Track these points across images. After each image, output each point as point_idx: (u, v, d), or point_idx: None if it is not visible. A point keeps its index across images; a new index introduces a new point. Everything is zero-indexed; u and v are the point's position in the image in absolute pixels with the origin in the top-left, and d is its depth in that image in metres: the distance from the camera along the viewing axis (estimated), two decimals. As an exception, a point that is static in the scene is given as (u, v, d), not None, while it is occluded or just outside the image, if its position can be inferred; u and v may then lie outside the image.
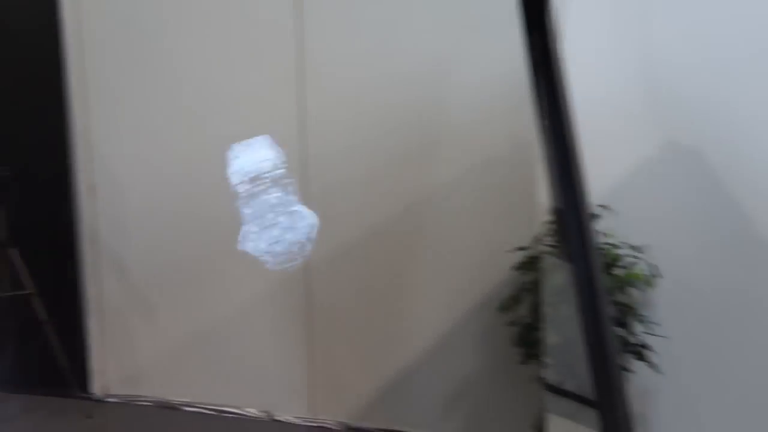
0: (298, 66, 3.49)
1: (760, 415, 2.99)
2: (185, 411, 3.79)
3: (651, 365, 2.87)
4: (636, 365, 2.86)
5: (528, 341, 2.99)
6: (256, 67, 3.58)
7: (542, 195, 3.26)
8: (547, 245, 3.02)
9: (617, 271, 2.88)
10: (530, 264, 3.08)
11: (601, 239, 2.90)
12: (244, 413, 3.74)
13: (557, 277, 2.81)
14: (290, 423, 3.69)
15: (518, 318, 3.04)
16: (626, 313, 2.87)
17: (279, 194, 3.42)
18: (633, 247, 2.89)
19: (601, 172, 2.91)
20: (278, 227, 3.41)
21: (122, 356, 3.94)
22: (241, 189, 3.37)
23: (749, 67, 2.88)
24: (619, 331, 2.84)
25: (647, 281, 2.89)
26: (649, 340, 2.92)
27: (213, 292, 3.77)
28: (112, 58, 3.76)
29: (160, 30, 3.70)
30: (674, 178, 3.04)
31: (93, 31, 3.76)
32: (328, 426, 3.63)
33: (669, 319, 3.02)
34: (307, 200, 3.50)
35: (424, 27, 3.34)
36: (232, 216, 3.65)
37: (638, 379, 2.88)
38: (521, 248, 3.12)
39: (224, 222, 3.68)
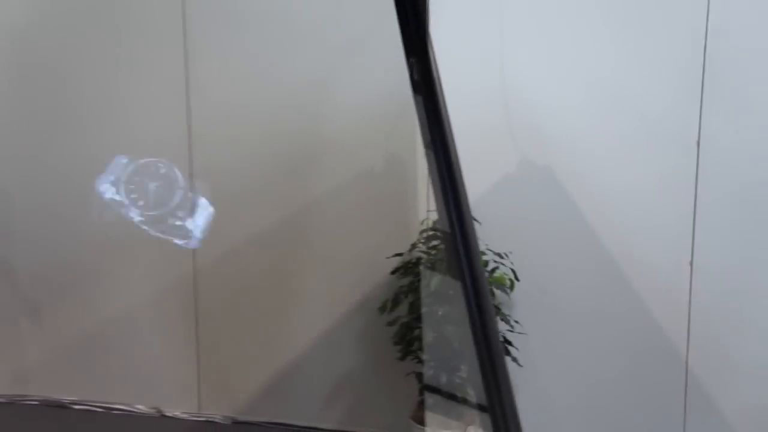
0: (186, 84, 3.55)
1: (602, 399, 3.31)
2: (74, 409, 3.77)
3: (513, 359, 3.14)
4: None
5: (406, 339, 3.18)
6: (145, 83, 3.60)
7: (416, 205, 3.49)
8: (421, 252, 3.25)
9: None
10: (406, 269, 3.29)
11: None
12: (134, 410, 3.77)
13: (433, 281, 3.03)
14: (179, 418, 3.74)
15: (396, 318, 3.24)
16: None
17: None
18: (497, 254, 3.15)
19: (468, 186, 3.17)
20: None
21: (9, 358, 3.90)
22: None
23: (587, 98, 3.19)
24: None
25: (509, 284, 3.15)
26: (511, 336, 3.20)
27: (102, 295, 3.76)
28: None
29: (54, 44, 3.67)
30: (531, 192, 3.31)
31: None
32: (215, 420, 3.71)
33: (527, 318, 3.30)
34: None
35: (305, 50, 3.44)
36: (117, 221, 3.71)
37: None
38: (398, 254, 3.33)
39: (112, 227, 3.73)
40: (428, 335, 3.02)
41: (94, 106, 3.67)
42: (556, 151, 3.21)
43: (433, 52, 2.31)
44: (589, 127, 3.21)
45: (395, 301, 3.16)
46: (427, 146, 2.35)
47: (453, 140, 2.30)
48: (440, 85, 2.35)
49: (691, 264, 3.20)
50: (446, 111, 2.30)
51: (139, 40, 3.58)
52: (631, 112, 3.19)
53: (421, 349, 3.15)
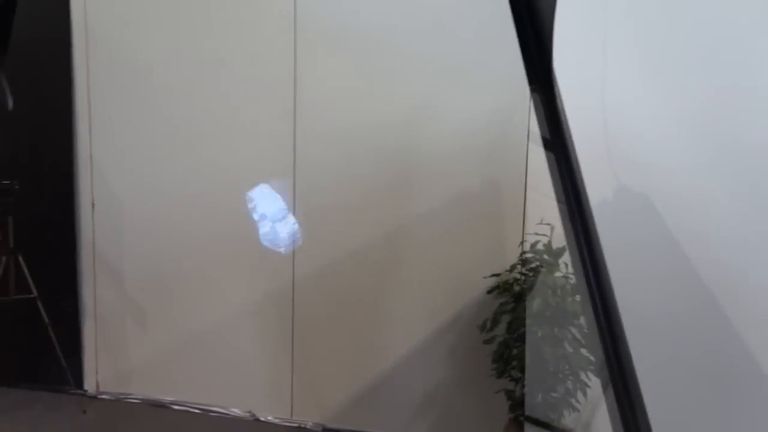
0: (294, 107, 3.56)
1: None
2: (173, 409, 3.79)
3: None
4: (594, 380, 3.06)
5: (504, 357, 3.15)
6: (254, 104, 3.62)
7: (513, 228, 3.45)
8: (520, 273, 3.20)
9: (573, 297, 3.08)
10: (503, 289, 3.26)
11: (568, 270, 3.10)
12: (229, 413, 3.77)
13: (535, 303, 2.98)
14: (271, 423, 3.73)
15: (493, 337, 3.20)
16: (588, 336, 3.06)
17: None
18: (594, 278, 3.10)
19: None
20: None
21: (115, 357, 3.93)
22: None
23: (683, 128, 3.12)
24: (584, 351, 3.03)
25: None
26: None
27: (204, 302, 3.79)
28: (115, 88, 3.76)
29: (164, 63, 3.70)
30: (626, 216, 3.25)
31: (99, 62, 3.75)
32: (306, 426, 3.70)
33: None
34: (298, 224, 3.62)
35: (409, 77, 3.44)
36: (224, 233, 3.74)
37: (594, 392, 3.08)
38: (495, 275, 3.30)
39: (216, 239, 3.75)
40: (529, 355, 2.97)
41: (207, 126, 3.70)
42: (652, 178, 3.16)
43: (557, 84, 2.29)
44: (684, 156, 3.15)
45: (495, 320, 3.11)
46: (552, 172, 2.32)
47: (579, 167, 2.28)
48: (564, 113, 2.33)
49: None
50: (571, 139, 2.28)
51: (252, 66, 3.60)
52: (725, 142, 3.13)
53: (515, 367, 3.10)
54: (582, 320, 3.06)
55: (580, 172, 2.20)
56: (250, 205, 3.65)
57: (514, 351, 3.04)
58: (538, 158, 3.38)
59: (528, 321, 2.97)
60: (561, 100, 2.32)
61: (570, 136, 2.30)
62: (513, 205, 3.37)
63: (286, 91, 3.56)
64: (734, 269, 3.19)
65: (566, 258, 3.12)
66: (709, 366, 3.15)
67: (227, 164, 3.70)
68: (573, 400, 3.05)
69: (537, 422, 3.04)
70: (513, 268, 3.16)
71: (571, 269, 3.11)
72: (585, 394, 3.07)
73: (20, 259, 3.61)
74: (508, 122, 3.33)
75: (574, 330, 3.06)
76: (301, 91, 3.55)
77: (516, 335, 3.05)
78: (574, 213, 2.17)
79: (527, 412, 3.03)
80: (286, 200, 3.60)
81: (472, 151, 3.39)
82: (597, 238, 2.15)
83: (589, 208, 2.19)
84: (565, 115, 2.32)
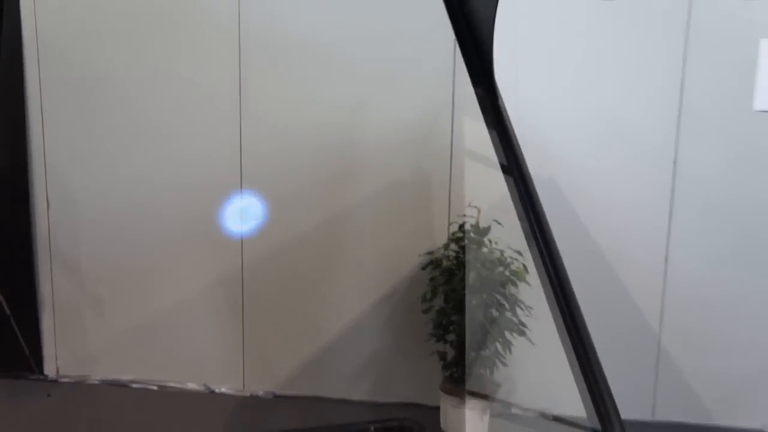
0: (239, 108, 3.74)
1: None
2: (132, 387, 3.95)
3: (528, 339, 3.44)
4: (518, 339, 3.42)
5: (441, 324, 3.46)
6: (202, 103, 3.79)
7: (437, 212, 3.76)
8: (453, 250, 3.52)
9: (503, 270, 3.43)
10: (435, 265, 3.57)
11: (492, 245, 3.45)
12: (185, 387, 3.95)
13: (472, 275, 3.31)
14: (225, 394, 3.94)
15: (430, 307, 3.50)
16: (511, 301, 3.42)
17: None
18: (516, 251, 3.45)
19: (492, 193, 3.47)
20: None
21: (74, 343, 4.02)
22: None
23: (586, 123, 3.53)
24: (508, 314, 3.38)
25: (523, 276, 3.44)
26: (525, 319, 3.49)
27: (158, 289, 3.94)
28: (66, 93, 3.84)
29: (115, 69, 3.80)
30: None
31: (49, 66, 3.81)
32: (258, 395, 3.93)
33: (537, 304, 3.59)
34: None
35: (345, 76, 3.68)
36: (175, 226, 3.89)
37: (517, 350, 3.43)
38: (429, 253, 3.61)
39: (168, 231, 3.91)
40: (468, 320, 3.32)
41: (154, 122, 3.84)
42: (559, 166, 3.53)
43: (495, 82, 2.60)
44: (586, 147, 3.54)
45: (433, 292, 3.43)
46: (502, 165, 2.63)
47: (523, 158, 2.59)
48: (505, 110, 2.63)
49: (666, 260, 3.59)
50: (514, 132, 2.59)
51: (199, 71, 3.76)
52: (622, 135, 3.55)
53: (451, 332, 3.43)
54: (508, 288, 3.44)
55: (524, 161, 2.51)
56: (199, 199, 3.83)
57: (452, 318, 3.37)
58: (461, 152, 3.72)
59: (467, 291, 3.29)
60: (502, 98, 2.63)
61: (513, 130, 2.61)
62: (439, 193, 3.69)
63: (232, 94, 3.74)
64: (622, 241, 3.65)
65: (491, 235, 3.47)
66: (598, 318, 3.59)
67: (177, 162, 3.86)
68: (501, 358, 3.42)
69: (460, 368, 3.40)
70: (446, 246, 3.48)
71: (494, 245, 3.47)
72: (510, 351, 3.44)
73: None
74: (434, 119, 3.64)
75: (499, 297, 3.43)
76: (246, 95, 3.74)
77: (451, 304, 3.38)
78: (523, 196, 2.49)
79: (467, 368, 3.37)
80: (233, 193, 3.79)
81: (403, 145, 3.67)
82: (545, 217, 2.47)
83: (535, 191, 2.51)
84: (507, 112, 2.62)
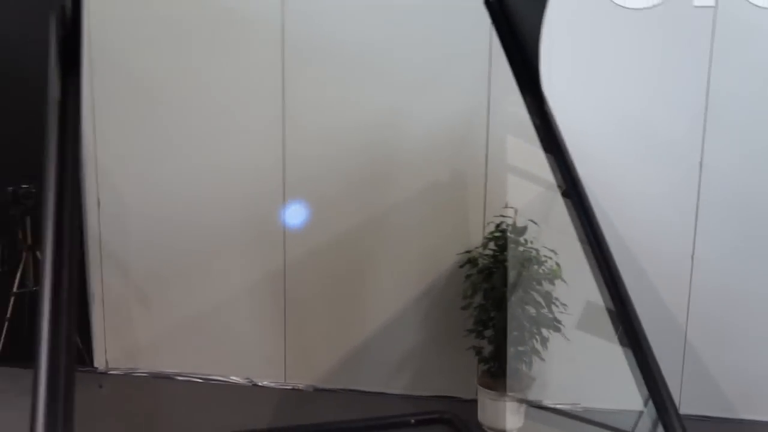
0: (282, 112, 3.82)
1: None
2: (177, 380, 4.03)
3: (563, 335, 3.51)
4: (553, 335, 3.49)
5: (481, 321, 3.52)
6: (246, 111, 3.87)
7: (473, 212, 3.83)
8: (491, 249, 3.60)
9: (539, 268, 3.50)
10: (472, 264, 3.63)
11: (528, 244, 3.51)
12: (229, 380, 4.04)
13: (512, 273, 3.38)
14: (268, 387, 4.02)
15: (469, 303, 3.56)
16: (547, 299, 3.48)
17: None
18: (551, 250, 3.52)
19: (525, 194, 3.54)
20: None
21: (122, 337, 4.10)
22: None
23: (617, 126, 3.59)
24: (545, 311, 3.45)
25: (559, 274, 3.51)
26: (560, 317, 3.56)
27: (203, 287, 4.03)
28: (117, 99, 3.94)
29: (163, 74, 3.90)
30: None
31: (102, 72, 3.92)
32: (300, 388, 4.01)
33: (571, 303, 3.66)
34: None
35: (383, 84, 3.76)
36: (220, 225, 3.97)
37: (553, 345, 3.50)
38: (467, 251, 3.69)
39: (213, 230, 4.00)
40: (511, 316, 3.40)
41: (203, 131, 3.92)
42: (591, 166, 3.59)
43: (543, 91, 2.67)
44: (618, 148, 3.60)
45: (474, 289, 3.50)
46: (551, 166, 2.70)
47: (573, 162, 2.65)
48: (553, 116, 2.70)
49: (692, 257, 3.65)
50: (562, 139, 2.65)
51: (243, 70, 3.84)
52: (651, 137, 3.62)
53: (490, 327, 3.49)
54: (544, 285, 3.50)
55: (574, 165, 2.58)
56: (244, 200, 3.91)
57: (491, 314, 3.43)
58: (496, 153, 3.78)
59: (509, 288, 3.36)
60: (548, 103, 2.69)
61: (561, 135, 2.67)
62: (475, 193, 3.76)
63: (276, 99, 3.82)
64: (651, 238, 3.71)
65: (527, 235, 3.54)
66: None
67: (222, 164, 3.94)
68: (538, 353, 3.49)
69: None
70: (485, 245, 3.55)
71: (530, 244, 3.54)
72: (546, 347, 3.50)
73: (38, 254, 3.73)
74: (470, 122, 3.71)
75: (536, 294, 3.49)
76: (289, 99, 3.82)
77: (491, 302, 3.44)
78: (575, 197, 2.56)
79: (509, 364, 3.43)
80: (278, 194, 3.87)
81: (440, 147, 3.75)
82: (596, 218, 2.55)
83: (585, 192, 2.58)
84: (554, 117, 2.68)
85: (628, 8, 3.55)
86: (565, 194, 2.60)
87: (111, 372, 4.11)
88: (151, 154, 3.98)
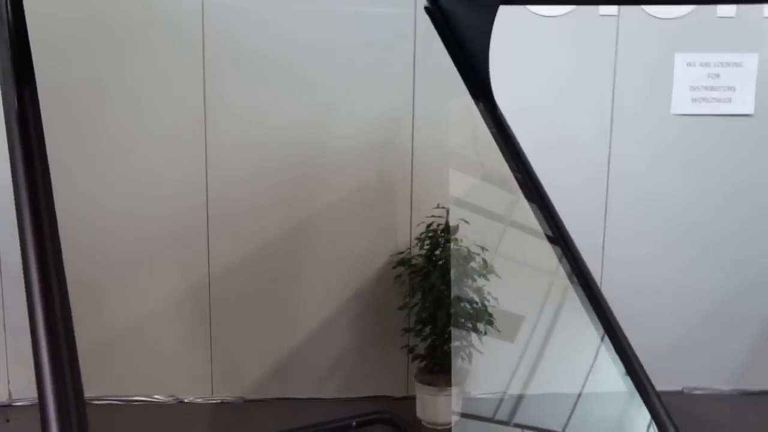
0: (204, 118, 3.45)
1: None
2: (95, 404, 3.49)
3: (496, 328, 3.40)
4: (487, 329, 3.37)
5: (422, 319, 3.33)
6: (166, 118, 3.45)
7: (400, 213, 3.65)
8: (423, 250, 3.42)
9: (473, 264, 3.37)
10: (406, 264, 3.46)
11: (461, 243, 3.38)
12: (152, 399, 3.58)
13: (454, 271, 3.22)
14: (195, 403, 3.61)
15: (405, 303, 3.40)
16: (480, 294, 3.36)
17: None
18: (482, 248, 3.40)
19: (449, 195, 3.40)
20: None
21: (28, 365, 3.52)
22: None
23: (533, 125, 3.56)
24: (480, 306, 3.32)
25: (492, 270, 3.40)
26: (493, 310, 3.44)
27: (121, 302, 3.54)
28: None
29: (82, 83, 3.39)
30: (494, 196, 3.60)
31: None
32: (228, 401, 3.63)
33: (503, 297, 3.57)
34: (212, 221, 3.51)
35: (309, 89, 3.49)
36: (138, 238, 3.52)
37: (487, 338, 3.39)
38: (400, 253, 3.49)
39: (131, 244, 3.54)
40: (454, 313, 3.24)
41: (122, 140, 3.46)
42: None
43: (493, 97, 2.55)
44: (534, 146, 3.55)
45: (412, 290, 3.32)
46: (511, 168, 2.58)
47: (527, 158, 2.55)
48: (505, 119, 2.58)
49: (603, 247, 3.69)
50: (517, 140, 2.55)
51: (164, 84, 3.43)
52: (565, 137, 3.61)
53: (427, 325, 3.32)
54: (478, 281, 3.38)
55: (529, 163, 2.48)
56: (163, 211, 3.49)
57: (431, 313, 3.26)
58: (422, 156, 3.62)
59: (452, 286, 3.20)
60: (499, 108, 2.56)
61: (515, 137, 2.56)
62: (402, 195, 3.58)
63: (197, 102, 3.44)
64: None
65: (457, 234, 3.40)
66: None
67: (140, 175, 3.50)
68: (475, 348, 3.37)
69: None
70: (421, 245, 3.37)
71: (462, 243, 3.40)
72: (481, 340, 3.38)
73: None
74: (396, 125, 3.52)
75: (470, 290, 3.37)
76: (211, 103, 3.45)
77: (429, 300, 3.27)
78: (532, 190, 2.46)
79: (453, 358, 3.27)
80: (201, 202, 3.48)
81: (367, 150, 3.54)
82: (553, 207, 2.45)
83: (542, 185, 2.48)
84: (505, 120, 2.57)
85: (542, 16, 3.54)
86: (528, 197, 2.49)
87: (16, 404, 3.54)
88: (63, 163, 3.43)
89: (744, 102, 3.61)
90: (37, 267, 1.22)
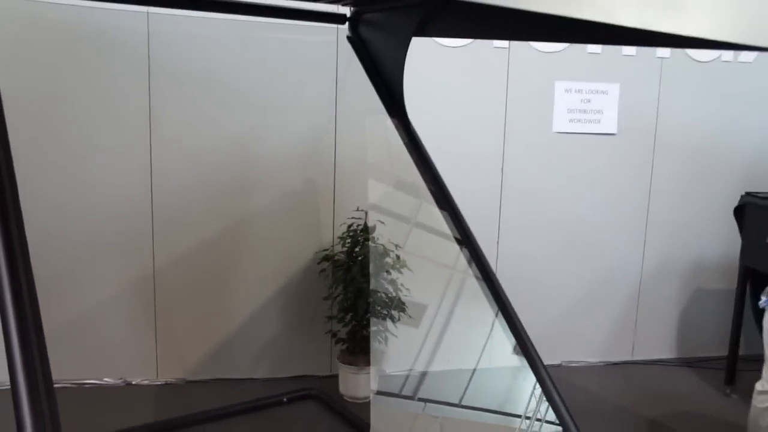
0: (149, 130, 3.68)
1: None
2: (48, 389, 3.66)
3: (408, 315, 3.78)
4: (401, 315, 3.76)
5: (344, 308, 3.71)
6: (113, 129, 3.65)
7: (324, 215, 3.97)
8: (346, 247, 3.77)
9: (388, 259, 3.73)
10: (329, 259, 3.81)
11: (377, 241, 3.73)
12: (102, 382, 3.79)
13: (372, 265, 3.57)
14: (141, 385, 3.85)
15: (330, 294, 3.77)
16: (395, 285, 3.73)
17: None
18: (395, 245, 3.77)
19: (372, 199, 3.74)
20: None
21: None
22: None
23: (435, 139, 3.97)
24: (395, 295, 3.69)
25: (405, 264, 3.77)
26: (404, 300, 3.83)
27: (71, 293, 3.72)
28: None
29: (34, 99, 3.50)
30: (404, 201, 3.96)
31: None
32: (172, 382, 3.89)
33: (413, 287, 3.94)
34: (156, 221, 3.74)
35: (247, 107, 3.78)
36: (89, 234, 3.73)
37: (400, 325, 3.76)
38: (324, 250, 3.83)
39: (81, 238, 3.74)
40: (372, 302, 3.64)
41: (80, 147, 3.64)
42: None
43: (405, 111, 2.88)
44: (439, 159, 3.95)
45: (335, 282, 3.68)
46: (421, 175, 2.92)
47: (436, 167, 2.88)
48: (417, 134, 2.92)
49: (497, 243, 4.13)
50: (426, 151, 2.88)
51: (111, 100, 3.63)
52: (467, 150, 4.02)
53: (348, 313, 3.68)
54: (393, 274, 3.74)
55: (437, 171, 2.83)
56: (112, 210, 3.68)
57: (351, 303, 3.61)
58: (343, 163, 3.95)
59: (371, 278, 3.55)
60: (411, 123, 2.90)
61: (425, 149, 2.90)
62: (325, 199, 3.93)
63: (143, 117, 3.67)
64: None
65: (374, 233, 3.75)
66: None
67: (96, 179, 3.69)
68: (390, 332, 3.76)
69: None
70: (343, 244, 3.73)
71: (378, 241, 3.76)
72: (395, 324, 3.75)
73: None
74: (319, 138, 3.84)
75: (386, 282, 3.73)
76: (155, 118, 3.69)
77: (350, 291, 3.62)
78: (440, 195, 2.82)
79: (371, 341, 3.63)
80: (146, 206, 3.70)
81: (295, 160, 3.87)
82: (456, 207, 2.81)
83: (448, 190, 2.83)
84: (417, 134, 2.90)
85: (447, 47, 3.93)
86: (437, 201, 2.85)
87: (-20, 388, 3.66)
88: (22, 168, 3.56)
89: (609, 123, 4.17)
90: (6, 264, 1.32)
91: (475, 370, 3.85)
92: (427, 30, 2.53)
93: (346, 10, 3.01)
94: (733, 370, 4.10)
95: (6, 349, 1.24)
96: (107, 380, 3.83)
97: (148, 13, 3.61)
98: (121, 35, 3.63)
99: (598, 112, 4.15)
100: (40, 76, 3.59)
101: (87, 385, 3.79)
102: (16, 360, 1.27)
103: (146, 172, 3.73)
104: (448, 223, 2.85)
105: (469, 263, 2.82)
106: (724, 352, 4.25)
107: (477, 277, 2.80)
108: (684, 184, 4.44)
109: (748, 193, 3.89)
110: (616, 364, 4.50)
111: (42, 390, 1.27)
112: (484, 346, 3.47)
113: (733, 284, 4.09)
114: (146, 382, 3.88)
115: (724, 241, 4.50)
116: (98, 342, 3.82)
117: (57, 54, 3.60)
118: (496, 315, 2.81)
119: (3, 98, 1.50)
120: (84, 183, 3.69)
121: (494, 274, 2.78)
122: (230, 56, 3.76)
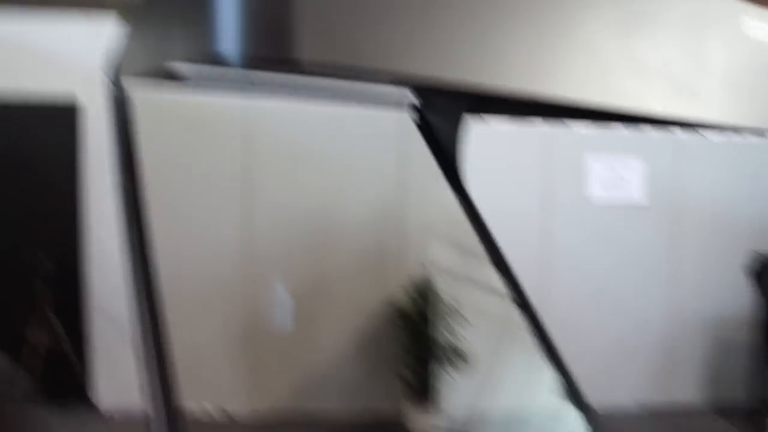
0: (248, 203, 4.27)
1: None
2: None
3: (466, 360, 4.11)
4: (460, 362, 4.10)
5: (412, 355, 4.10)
6: (223, 201, 4.26)
7: (395, 272, 4.40)
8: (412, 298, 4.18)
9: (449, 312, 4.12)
10: (401, 313, 4.20)
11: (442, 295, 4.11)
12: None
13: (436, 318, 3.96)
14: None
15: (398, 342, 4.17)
16: (455, 334, 4.10)
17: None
18: (455, 300, 4.13)
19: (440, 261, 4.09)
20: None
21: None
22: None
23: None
24: (455, 343, 4.08)
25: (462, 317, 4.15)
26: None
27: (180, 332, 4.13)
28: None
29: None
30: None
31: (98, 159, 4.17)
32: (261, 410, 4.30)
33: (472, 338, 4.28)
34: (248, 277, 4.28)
35: (324, 175, 4.31)
36: (189, 287, 4.25)
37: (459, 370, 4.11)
38: (395, 303, 4.26)
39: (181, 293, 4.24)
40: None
41: (176, 216, 4.23)
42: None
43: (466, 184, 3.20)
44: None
45: (404, 333, 4.13)
46: (479, 241, 3.22)
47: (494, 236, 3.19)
48: (475, 205, 3.24)
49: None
50: (482, 216, 3.20)
51: (210, 164, 4.26)
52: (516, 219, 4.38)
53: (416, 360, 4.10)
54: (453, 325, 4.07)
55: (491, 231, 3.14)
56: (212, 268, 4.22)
57: (417, 349, 4.05)
58: (413, 226, 4.35)
59: (434, 329, 4.00)
60: (470, 195, 3.25)
61: (481, 215, 3.23)
62: (395, 256, 4.37)
63: (244, 186, 4.27)
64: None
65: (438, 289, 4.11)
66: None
67: (195, 239, 4.28)
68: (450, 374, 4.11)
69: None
70: (414, 299, 4.15)
71: (442, 296, 4.10)
72: (456, 369, 4.12)
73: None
74: (390, 202, 4.36)
75: (447, 332, 4.08)
76: (253, 186, 4.27)
77: (419, 340, 4.06)
78: (495, 257, 3.11)
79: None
80: (247, 260, 4.22)
81: (369, 224, 4.35)
82: (514, 271, 3.11)
83: (503, 254, 3.13)
84: (477, 208, 3.24)
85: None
86: (493, 263, 3.16)
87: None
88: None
89: (638, 192, 4.56)
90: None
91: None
92: (480, 111, 2.89)
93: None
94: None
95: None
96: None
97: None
98: (220, 114, 4.25)
99: (626, 180, 4.53)
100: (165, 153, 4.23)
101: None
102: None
103: (248, 234, 4.29)
104: (504, 285, 3.14)
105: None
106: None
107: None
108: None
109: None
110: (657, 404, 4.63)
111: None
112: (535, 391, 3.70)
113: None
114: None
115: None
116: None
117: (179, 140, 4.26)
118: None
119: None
120: (186, 242, 4.26)
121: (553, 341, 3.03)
122: (310, 130, 4.29)
